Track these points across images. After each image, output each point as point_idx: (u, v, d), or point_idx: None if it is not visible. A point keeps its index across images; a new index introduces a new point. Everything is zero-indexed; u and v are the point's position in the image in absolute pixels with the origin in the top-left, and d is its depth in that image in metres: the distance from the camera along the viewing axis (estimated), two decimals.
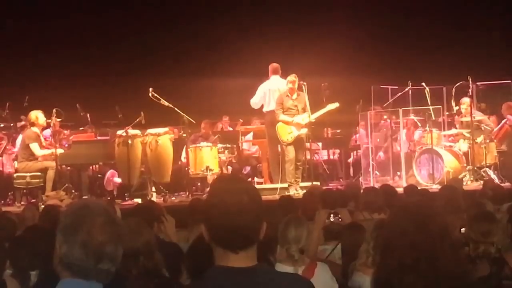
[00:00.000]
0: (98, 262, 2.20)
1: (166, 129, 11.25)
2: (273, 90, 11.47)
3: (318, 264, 4.45)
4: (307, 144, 11.30)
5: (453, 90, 12.08)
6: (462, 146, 12.03)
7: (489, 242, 4.32)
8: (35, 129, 10.79)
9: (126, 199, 10.82)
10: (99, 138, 12.35)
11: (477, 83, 12.48)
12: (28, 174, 10.56)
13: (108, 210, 2.28)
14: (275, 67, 11.71)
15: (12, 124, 12.53)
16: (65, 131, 12.39)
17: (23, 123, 11.86)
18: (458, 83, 12.03)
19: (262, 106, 11.63)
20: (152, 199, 10.36)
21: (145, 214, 5.50)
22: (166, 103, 11.29)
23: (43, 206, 8.53)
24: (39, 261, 4.45)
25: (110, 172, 12.20)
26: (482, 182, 10.51)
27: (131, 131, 10.86)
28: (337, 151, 14.72)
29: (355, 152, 14.33)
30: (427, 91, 12.22)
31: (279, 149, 11.34)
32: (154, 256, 3.92)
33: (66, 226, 2.24)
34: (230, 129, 14.33)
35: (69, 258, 2.20)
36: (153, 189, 10.97)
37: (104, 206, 2.29)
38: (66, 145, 11.32)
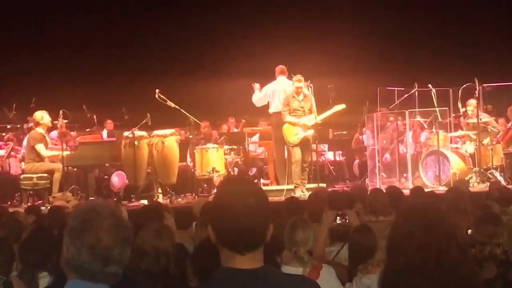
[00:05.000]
0: (105, 266, 2.20)
1: (173, 130, 11.27)
2: (279, 91, 11.43)
3: (323, 266, 4.44)
4: (313, 146, 11.28)
5: (460, 91, 12.06)
6: (469, 147, 11.99)
7: (495, 243, 4.32)
8: (39, 130, 10.79)
9: (133, 200, 10.85)
10: (105, 139, 12.36)
11: (484, 84, 12.43)
12: (35, 176, 10.57)
13: (115, 213, 2.28)
14: (282, 68, 11.70)
15: (19, 125, 12.58)
16: (72, 132, 12.43)
17: (30, 124, 11.88)
18: (465, 85, 12.00)
19: (268, 107, 11.62)
20: (159, 200, 10.37)
21: (152, 215, 5.52)
22: (173, 105, 11.31)
23: (49, 207, 8.55)
24: (45, 262, 4.47)
25: (116, 173, 12.22)
26: (488, 184, 10.49)
27: (138, 133, 10.88)
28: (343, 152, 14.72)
29: (361, 153, 14.29)
30: (433, 92, 12.20)
31: (286, 150, 11.33)
32: (166, 258, 3.97)
33: (73, 229, 2.24)
34: (236, 130, 14.31)
35: (76, 260, 2.20)
36: (159, 190, 10.99)
37: (111, 209, 2.28)
38: (73, 146, 11.34)
